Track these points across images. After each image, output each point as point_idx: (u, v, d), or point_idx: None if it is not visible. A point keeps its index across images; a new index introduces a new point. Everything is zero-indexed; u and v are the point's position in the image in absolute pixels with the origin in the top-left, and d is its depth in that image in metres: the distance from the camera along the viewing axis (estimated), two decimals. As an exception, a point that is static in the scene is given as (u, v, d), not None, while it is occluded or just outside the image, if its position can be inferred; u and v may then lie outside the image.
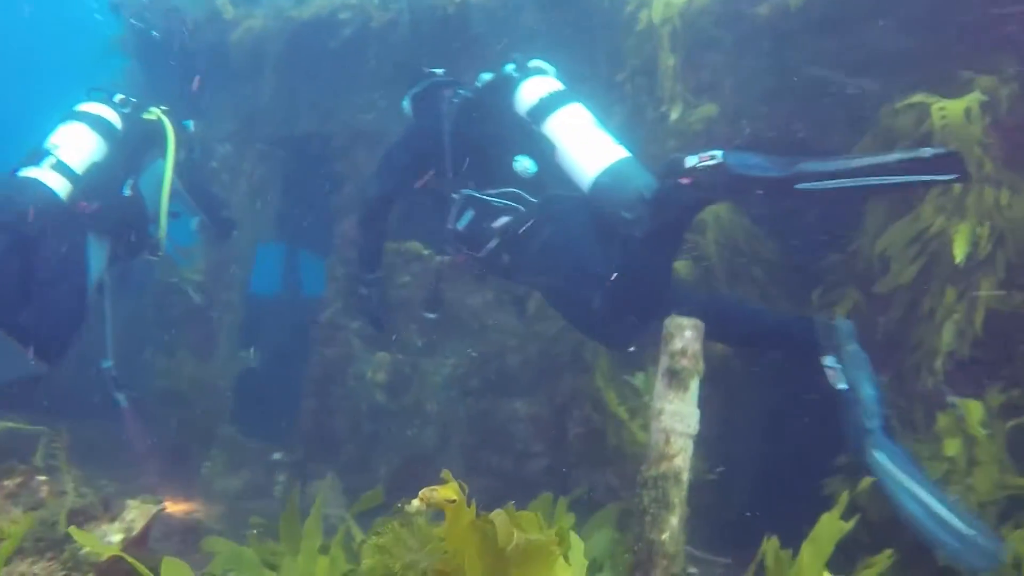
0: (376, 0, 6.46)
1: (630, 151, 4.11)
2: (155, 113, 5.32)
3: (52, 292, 4.63)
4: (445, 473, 2.40)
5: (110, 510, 2.76)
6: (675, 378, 3.29)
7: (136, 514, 2.71)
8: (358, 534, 3.22)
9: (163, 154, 5.20)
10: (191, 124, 5.61)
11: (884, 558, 3.31)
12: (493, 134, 4.30)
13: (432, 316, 5.16)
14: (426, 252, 6.15)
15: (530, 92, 4.27)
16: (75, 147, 4.93)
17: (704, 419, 3.21)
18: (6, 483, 3.05)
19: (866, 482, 3.51)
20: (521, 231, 4.09)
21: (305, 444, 6.49)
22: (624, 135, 5.62)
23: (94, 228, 4.95)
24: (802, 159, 3.35)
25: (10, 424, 4.91)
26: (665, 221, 3.69)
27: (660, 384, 3.34)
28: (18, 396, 4.90)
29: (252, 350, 7.43)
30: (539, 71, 4.43)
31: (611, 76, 5.70)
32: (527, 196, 4.13)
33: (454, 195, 4.30)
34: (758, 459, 5.30)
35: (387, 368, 6.07)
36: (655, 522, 3.21)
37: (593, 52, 5.85)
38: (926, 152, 3.14)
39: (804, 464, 4.98)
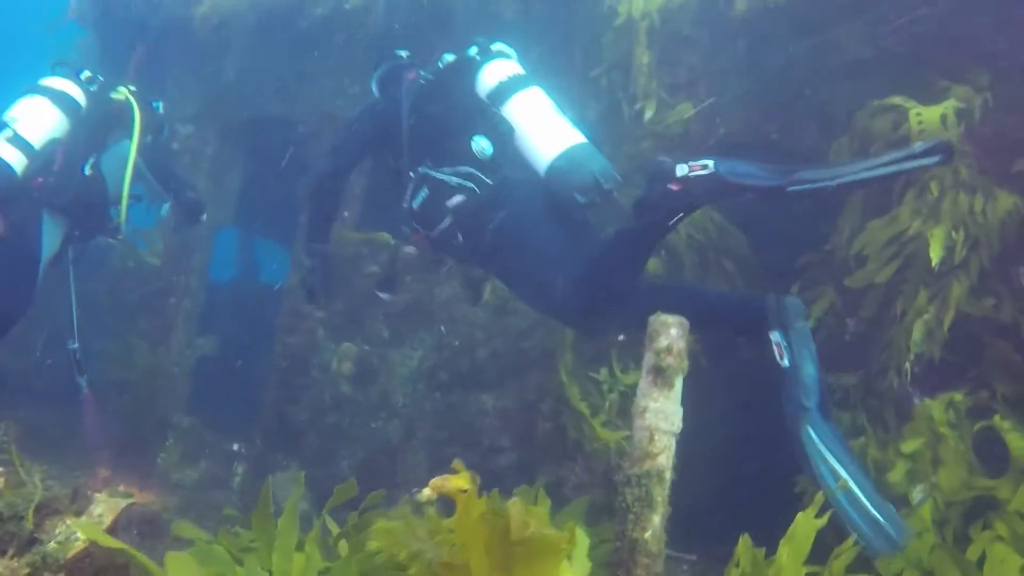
0: (352, -20, 6.32)
1: (588, 136, 4.12)
2: (123, 93, 5.13)
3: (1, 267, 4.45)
4: (457, 463, 2.34)
5: (77, 503, 2.63)
6: (660, 376, 3.27)
7: (104, 508, 2.59)
8: (334, 528, 3.13)
9: (129, 135, 5.01)
10: (160, 106, 5.42)
11: (849, 547, 3.35)
12: (451, 114, 4.30)
13: (387, 297, 5.09)
14: (394, 242, 6.05)
15: (491, 75, 4.28)
16: (34, 121, 4.73)
17: (671, 415, 3.22)
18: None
19: (843, 483, 3.53)
20: (475, 211, 4.10)
21: (265, 435, 6.35)
22: (599, 130, 5.64)
23: (49, 205, 4.76)
24: (796, 169, 3.36)
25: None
26: (650, 221, 3.66)
27: (644, 381, 3.32)
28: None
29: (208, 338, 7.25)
30: (501, 55, 4.44)
31: (587, 71, 5.67)
32: (483, 176, 4.14)
33: (410, 174, 4.31)
34: (721, 455, 5.34)
35: (353, 359, 5.97)
36: (638, 520, 3.19)
37: (569, 46, 5.81)
38: (917, 148, 3.18)
39: (768, 460, 5.04)
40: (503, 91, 4.20)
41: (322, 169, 4.63)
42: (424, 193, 4.23)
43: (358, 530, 3.10)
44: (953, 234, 3.74)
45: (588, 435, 5.15)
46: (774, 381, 3.74)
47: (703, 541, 4.50)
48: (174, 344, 7.01)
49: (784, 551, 3.16)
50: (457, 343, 5.72)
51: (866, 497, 3.37)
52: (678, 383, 3.31)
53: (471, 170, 4.14)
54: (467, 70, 4.36)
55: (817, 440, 3.49)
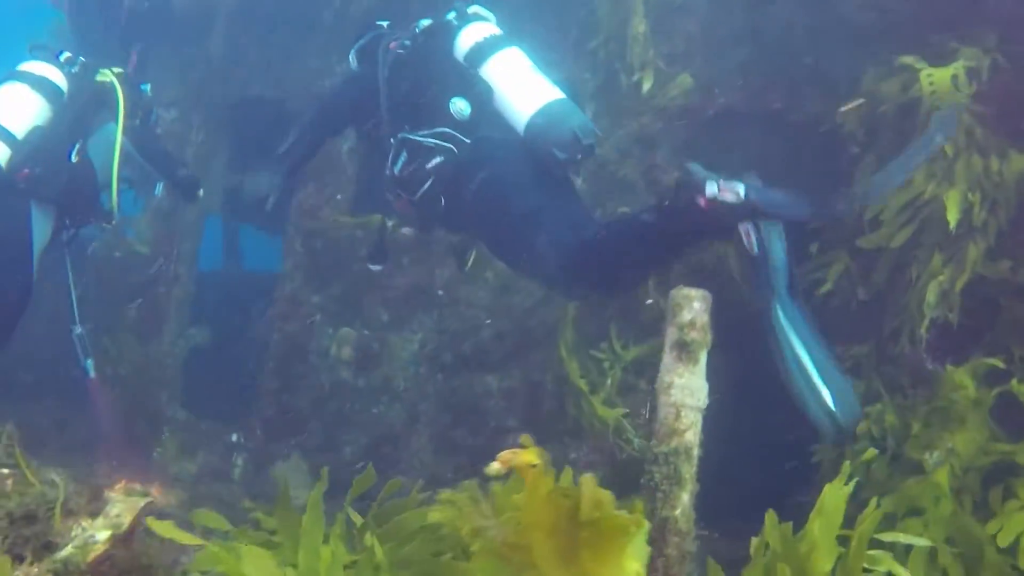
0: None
1: (567, 93, 4.07)
2: (107, 75, 4.94)
3: None
4: (525, 438, 2.25)
5: (94, 503, 2.51)
6: (684, 350, 3.19)
7: (122, 508, 2.48)
8: (357, 519, 3.04)
9: (114, 117, 4.83)
10: (148, 88, 5.23)
11: (872, 511, 3.32)
12: (429, 78, 4.28)
13: (377, 268, 5.06)
14: (390, 224, 5.93)
15: (468, 37, 4.26)
16: (15, 110, 4.54)
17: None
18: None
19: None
20: (455, 171, 4.08)
21: (264, 424, 6.24)
22: (597, 103, 5.55)
23: (37, 196, 4.58)
24: (830, 199, 3.30)
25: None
26: (672, 230, 3.61)
27: (668, 357, 3.24)
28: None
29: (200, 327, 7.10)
30: (479, 17, 4.40)
31: (582, 43, 5.56)
32: (461, 137, 4.11)
33: (391, 140, 4.28)
34: (730, 428, 5.31)
35: (352, 344, 5.86)
36: (667, 499, 3.12)
37: (564, 19, 5.70)
38: (939, 140, 3.18)
39: (778, 433, 5.01)
40: (480, 52, 4.17)
41: (299, 144, 4.62)
42: (404, 157, 4.20)
43: (379, 520, 3.01)
44: (969, 196, 3.68)
45: (587, 412, 5.10)
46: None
47: (718, 516, 4.46)
48: (166, 335, 6.86)
49: (815, 525, 3.11)
50: (459, 325, 5.63)
51: (824, 382, 3.31)
52: (703, 358, 3.24)
53: (449, 131, 4.11)
54: (444, 34, 4.34)
55: (785, 321, 3.43)
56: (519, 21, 4.73)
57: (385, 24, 4.77)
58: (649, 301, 4.39)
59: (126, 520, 2.44)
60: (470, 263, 5.26)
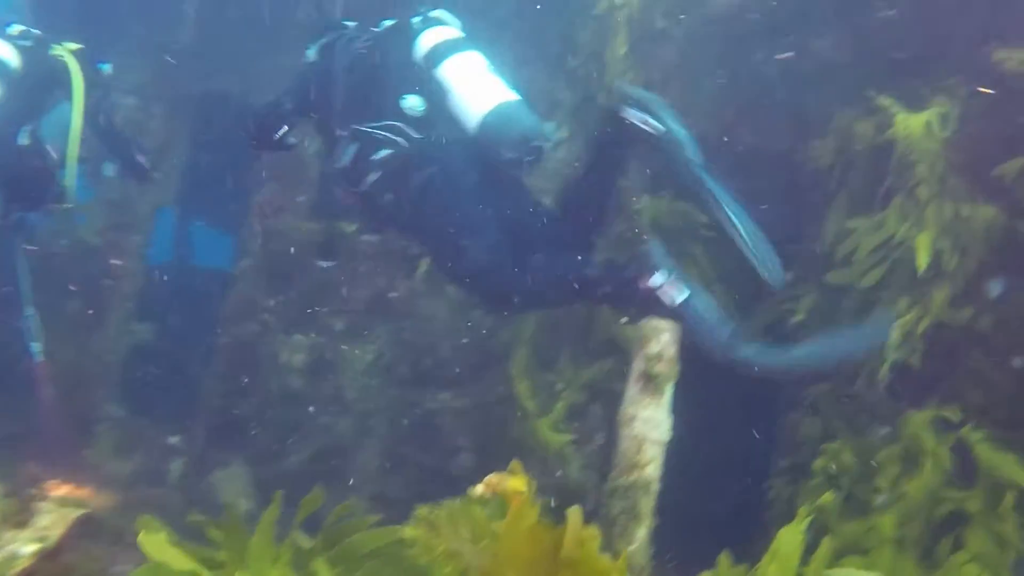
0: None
1: (522, 96, 4.06)
2: (63, 51, 4.70)
3: None
4: (515, 463, 2.15)
5: (25, 513, 2.32)
6: (650, 383, 3.14)
7: (52, 519, 2.29)
8: (305, 543, 2.89)
9: (68, 96, 4.60)
10: (108, 67, 5.00)
11: (825, 547, 3.29)
12: (385, 75, 4.30)
13: (325, 265, 5.11)
14: (350, 230, 5.79)
15: (428, 40, 4.26)
16: (-40, 88, 4.31)
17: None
18: None
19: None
20: (402, 165, 4.07)
21: (206, 428, 6.02)
22: (573, 121, 5.49)
23: (-17, 181, 4.35)
24: (745, 347, 3.36)
25: None
26: (604, 293, 3.72)
27: (633, 389, 3.19)
28: None
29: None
30: (441, 22, 4.40)
31: (560, 60, 5.50)
32: (410, 132, 4.12)
33: (341, 133, 4.27)
34: (683, 459, 5.27)
35: (304, 351, 5.69)
36: (623, 533, 3.06)
37: (543, 34, 5.64)
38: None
39: (732, 464, 4.97)
40: (438, 54, 4.17)
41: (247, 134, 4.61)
42: (353, 149, 4.17)
43: (329, 543, 2.87)
44: (940, 241, 3.71)
45: (533, 435, 5.01)
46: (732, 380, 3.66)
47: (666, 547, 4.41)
48: (108, 329, 6.58)
49: (771, 569, 3.05)
50: (416, 338, 5.50)
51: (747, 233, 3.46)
52: (668, 391, 3.20)
53: (399, 125, 4.11)
54: (405, 35, 4.33)
55: (711, 181, 3.57)
56: (499, 33, 4.67)
57: (352, 24, 4.71)
58: (624, 320, 4.34)
59: (56, 533, 2.26)
60: (422, 270, 5.22)
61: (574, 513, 2.09)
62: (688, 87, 5.35)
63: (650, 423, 3.09)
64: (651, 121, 3.66)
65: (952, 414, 3.86)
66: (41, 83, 4.62)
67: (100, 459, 6.06)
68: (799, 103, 4.95)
